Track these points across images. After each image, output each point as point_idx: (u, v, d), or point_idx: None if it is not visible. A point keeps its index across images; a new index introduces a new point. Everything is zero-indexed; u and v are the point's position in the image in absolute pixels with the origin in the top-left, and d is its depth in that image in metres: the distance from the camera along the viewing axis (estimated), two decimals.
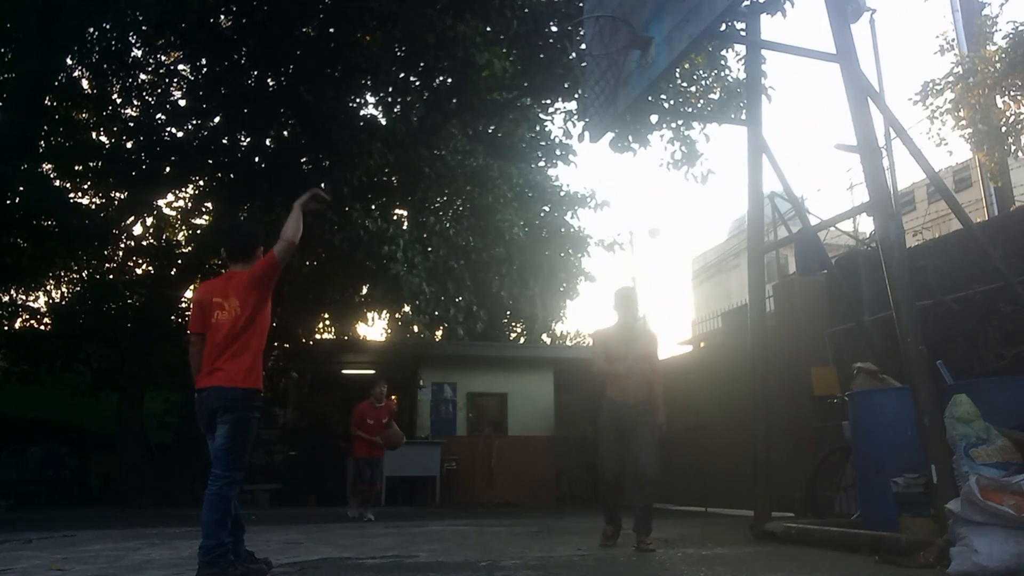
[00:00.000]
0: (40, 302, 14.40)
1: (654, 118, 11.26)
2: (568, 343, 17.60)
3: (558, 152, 15.14)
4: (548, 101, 13.41)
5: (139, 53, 12.12)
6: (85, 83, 12.55)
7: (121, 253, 13.75)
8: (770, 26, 76.60)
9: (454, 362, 12.57)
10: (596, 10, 6.26)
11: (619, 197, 79.66)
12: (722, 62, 11.16)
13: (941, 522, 3.79)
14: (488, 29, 10.22)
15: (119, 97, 12.67)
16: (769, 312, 8.31)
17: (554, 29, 11.05)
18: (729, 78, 11.16)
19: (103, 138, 13.38)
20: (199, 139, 12.24)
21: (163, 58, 12.56)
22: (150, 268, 13.52)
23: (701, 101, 11.36)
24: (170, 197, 13.72)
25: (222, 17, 11.24)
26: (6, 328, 13.46)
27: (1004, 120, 9.62)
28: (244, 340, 3.61)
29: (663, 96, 10.82)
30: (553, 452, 12.65)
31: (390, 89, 12.22)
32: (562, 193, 15.70)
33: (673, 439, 8.93)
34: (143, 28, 10.83)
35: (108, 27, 10.86)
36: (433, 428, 12.20)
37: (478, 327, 12.22)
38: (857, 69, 4.86)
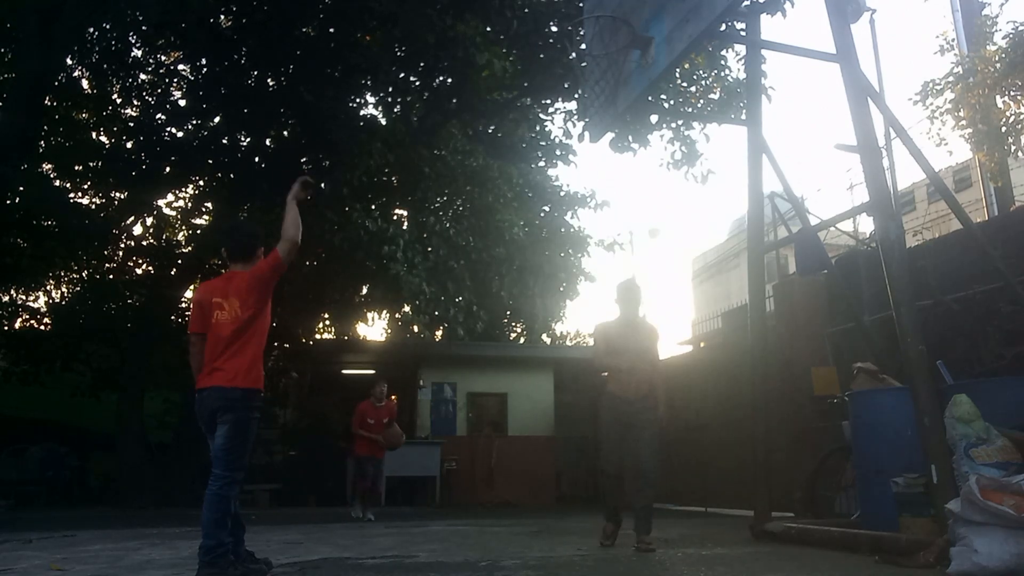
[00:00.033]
0: (40, 302, 14.42)
1: (654, 118, 11.27)
2: (568, 343, 17.60)
3: (558, 152, 15.14)
4: (548, 101, 13.41)
5: (139, 53, 12.13)
6: (85, 83, 12.55)
7: (121, 253, 13.75)
8: (770, 26, 76.59)
9: (454, 362, 12.57)
10: (596, 10, 6.25)
11: (619, 197, 79.76)
12: (722, 62, 11.16)
13: (941, 522, 3.79)
14: (488, 29, 10.23)
15: (119, 97, 12.67)
16: (769, 312, 8.30)
17: (554, 29, 11.06)
18: (729, 78, 11.16)
19: (103, 138, 13.39)
20: (199, 139, 12.24)
21: (163, 58, 12.56)
22: (150, 268, 13.52)
23: (701, 101, 11.37)
24: (170, 197, 13.74)
25: (222, 17, 11.24)
26: (6, 328, 13.46)
27: (1004, 120, 9.62)
28: (244, 340, 3.60)
29: (663, 96, 10.82)
30: (553, 452, 12.65)
31: (390, 89, 12.22)
32: (562, 193, 15.70)
33: (673, 439, 8.96)
34: (143, 28, 10.83)
35: (108, 27, 10.85)
36: (433, 428, 12.20)
37: (478, 327, 12.22)
38: (857, 69, 4.86)
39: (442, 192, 12.50)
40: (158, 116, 12.30)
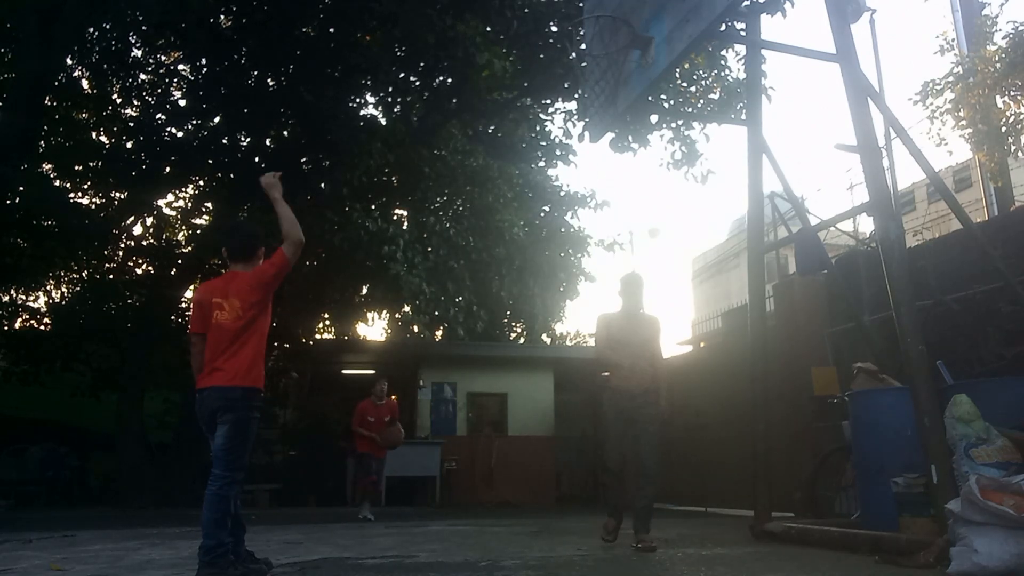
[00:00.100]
0: (40, 302, 14.40)
1: (654, 118, 11.27)
2: (568, 343, 17.60)
3: (558, 152, 15.16)
4: (548, 101, 13.42)
5: (139, 53, 12.13)
6: (85, 83, 12.55)
7: (121, 253, 13.74)
8: (770, 26, 76.60)
9: (454, 362, 12.57)
10: (596, 10, 6.25)
11: (619, 197, 79.86)
12: (722, 62, 11.17)
13: (941, 522, 3.79)
14: (488, 29, 10.23)
15: (119, 97, 12.67)
16: (769, 312, 8.30)
17: (554, 29, 11.06)
18: (729, 78, 11.17)
19: (103, 138, 13.39)
20: (199, 139, 12.25)
21: (163, 58, 12.56)
22: (150, 268, 13.51)
23: (701, 101, 11.37)
24: (170, 197, 13.73)
25: (222, 17, 11.24)
26: (6, 328, 13.45)
27: (1004, 120, 9.63)
28: (244, 340, 3.60)
29: (663, 96, 10.82)
30: (553, 452, 12.65)
31: (390, 89, 12.22)
32: (562, 193, 15.71)
33: (673, 439, 8.95)
34: (143, 28, 10.83)
35: (108, 27, 10.85)
36: (433, 428, 12.20)
37: (478, 327, 12.23)
38: (857, 69, 4.86)
39: (442, 192, 12.51)
40: (158, 116, 12.30)
